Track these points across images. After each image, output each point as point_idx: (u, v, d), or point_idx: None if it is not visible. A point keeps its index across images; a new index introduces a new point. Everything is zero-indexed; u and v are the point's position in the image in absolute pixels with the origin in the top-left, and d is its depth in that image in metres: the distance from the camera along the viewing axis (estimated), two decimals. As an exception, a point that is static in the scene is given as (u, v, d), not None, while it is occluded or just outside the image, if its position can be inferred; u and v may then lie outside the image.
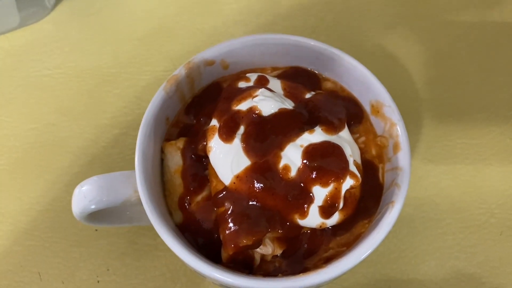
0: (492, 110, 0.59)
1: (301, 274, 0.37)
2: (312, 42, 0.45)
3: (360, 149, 0.44)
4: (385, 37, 0.64)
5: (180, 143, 0.43)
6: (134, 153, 0.41)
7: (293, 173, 0.38)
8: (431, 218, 0.53)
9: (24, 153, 0.58)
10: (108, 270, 0.51)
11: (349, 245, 0.40)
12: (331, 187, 0.38)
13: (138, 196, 0.39)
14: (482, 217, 0.53)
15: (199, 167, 0.43)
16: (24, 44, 0.64)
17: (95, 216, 0.44)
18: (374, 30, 0.64)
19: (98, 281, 0.51)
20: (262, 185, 0.38)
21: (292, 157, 0.39)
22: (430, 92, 0.61)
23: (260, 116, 0.40)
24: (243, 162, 0.39)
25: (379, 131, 0.45)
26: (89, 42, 0.65)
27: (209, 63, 0.46)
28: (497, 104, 0.60)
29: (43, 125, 0.59)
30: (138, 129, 0.42)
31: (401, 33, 0.64)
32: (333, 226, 0.41)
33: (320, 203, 0.38)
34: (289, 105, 0.41)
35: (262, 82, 0.43)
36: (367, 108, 0.46)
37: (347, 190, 0.39)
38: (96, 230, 0.53)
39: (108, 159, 0.57)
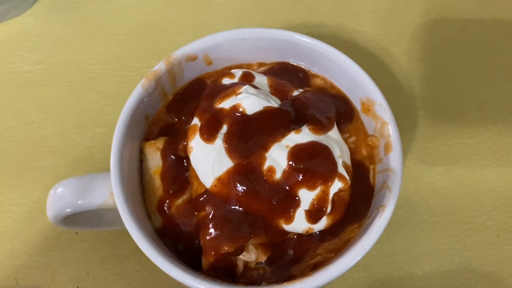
0: (489, 109, 0.57)
1: (286, 282, 0.35)
2: (301, 37, 0.43)
3: (350, 149, 0.42)
4: (379, 33, 0.62)
5: (160, 143, 0.41)
6: (115, 154, 0.39)
7: (278, 175, 0.36)
8: (425, 221, 0.51)
9: (3, 152, 0.56)
10: (88, 275, 0.49)
11: (338, 251, 0.39)
12: (318, 190, 0.36)
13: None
14: (478, 219, 0.52)
15: (179, 168, 0.41)
16: (4, 39, 0.62)
17: (72, 220, 0.42)
18: (368, 25, 0.62)
19: (77, 287, 0.49)
20: (245, 188, 0.36)
21: (277, 158, 0.37)
22: (425, 89, 0.59)
23: (243, 114, 0.38)
24: (225, 163, 0.37)
25: (370, 130, 0.43)
26: (72, 37, 0.62)
27: (191, 58, 0.44)
28: (494, 102, 0.58)
29: (23, 123, 0.57)
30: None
31: (396, 29, 0.62)
32: (320, 231, 0.39)
33: (307, 207, 0.36)
34: (275, 103, 0.39)
35: (247, 79, 0.41)
36: (357, 106, 0.44)
37: (335, 193, 0.37)
38: (76, 233, 0.51)
39: (90, 159, 0.55)
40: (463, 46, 0.61)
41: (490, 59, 0.60)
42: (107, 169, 0.41)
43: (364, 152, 0.42)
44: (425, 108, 0.57)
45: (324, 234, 0.39)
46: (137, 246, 0.50)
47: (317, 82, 0.45)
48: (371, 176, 0.41)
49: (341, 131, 0.41)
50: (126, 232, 0.50)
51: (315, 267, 0.37)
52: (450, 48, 0.61)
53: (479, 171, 0.54)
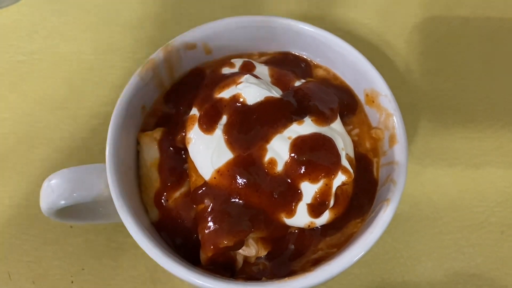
0: (492, 103, 0.57)
1: (287, 277, 0.34)
2: (304, 26, 0.42)
3: (353, 141, 0.41)
4: (382, 25, 0.61)
5: (157, 134, 0.40)
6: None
7: (279, 167, 0.35)
8: (427, 217, 0.51)
9: (-4, 144, 0.54)
10: (83, 269, 0.48)
11: (340, 246, 0.38)
12: (321, 183, 0.35)
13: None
14: (481, 215, 0.51)
15: (177, 160, 0.39)
16: (-2, 28, 0.61)
17: (66, 212, 0.41)
18: (370, 17, 0.61)
19: (72, 282, 0.48)
20: (245, 180, 0.35)
21: (279, 150, 0.35)
22: (428, 83, 0.58)
23: (244, 104, 0.36)
24: (225, 155, 0.35)
25: (374, 122, 0.42)
26: (68, 27, 0.61)
27: (190, 46, 0.42)
28: (498, 96, 0.57)
29: (17, 114, 0.56)
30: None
31: (399, 21, 0.61)
32: (322, 226, 0.38)
33: (309, 201, 0.35)
34: (276, 93, 0.38)
35: (248, 68, 0.40)
36: (361, 97, 0.43)
37: (338, 187, 0.36)
38: (71, 227, 0.50)
39: (86, 151, 0.54)
40: (466, 39, 0.60)
41: (494, 52, 0.60)
42: (103, 161, 0.40)
43: (367, 144, 0.41)
44: (428, 102, 0.57)
45: (326, 228, 0.38)
46: (133, 240, 0.49)
47: (320, 72, 0.44)
48: (374, 169, 0.40)
49: (344, 123, 0.40)
50: (122, 225, 0.49)
51: (317, 263, 0.37)
52: (453, 41, 0.60)
53: (482, 166, 0.53)
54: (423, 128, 0.55)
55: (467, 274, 0.48)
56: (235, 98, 0.37)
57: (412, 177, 0.52)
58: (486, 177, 0.52)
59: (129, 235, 0.49)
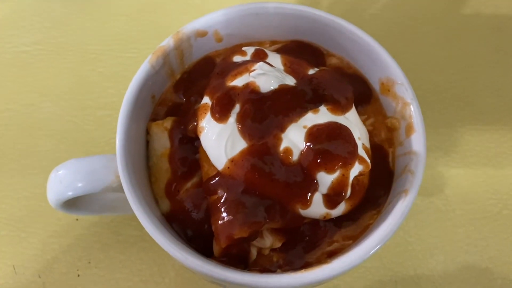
0: (504, 95, 0.56)
1: (302, 269, 0.33)
2: (316, 12, 0.41)
3: (368, 132, 0.40)
4: (392, 16, 0.60)
5: (168, 123, 0.39)
6: (117, 135, 0.37)
7: (295, 157, 0.34)
8: (439, 209, 0.50)
9: (-1, 136, 0.53)
10: (89, 263, 0.47)
11: (356, 238, 0.37)
12: (337, 173, 0.34)
13: (120, 182, 0.35)
14: (494, 208, 0.50)
15: (188, 150, 0.38)
16: (1, 17, 0.60)
17: (74, 204, 0.40)
18: (381, 8, 0.60)
19: (78, 275, 0.47)
20: (260, 170, 0.34)
21: (294, 139, 0.34)
22: (439, 75, 0.57)
23: (258, 93, 0.35)
24: (239, 144, 0.34)
25: (389, 112, 0.41)
26: (71, 17, 0.60)
27: (201, 34, 0.41)
28: (509, 88, 0.56)
29: (20, 105, 0.55)
30: (123, 109, 0.38)
31: (409, 12, 0.60)
32: (338, 217, 0.37)
33: (325, 191, 0.34)
34: (290, 81, 0.37)
35: (260, 56, 0.39)
36: (376, 86, 0.42)
37: (354, 177, 0.35)
38: (77, 219, 0.49)
39: (91, 142, 0.53)
40: (477, 31, 0.59)
41: (504, 44, 0.59)
42: (109, 152, 0.39)
43: (382, 135, 0.40)
44: (439, 93, 0.56)
45: (342, 220, 0.37)
46: (140, 233, 0.48)
47: (333, 61, 0.43)
48: (390, 160, 0.39)
49: (358, 113, 0.39)
50: (129, 218, 0.49)
51: (332, 255, 0.36)
52: (464, 33, 0.59)
53: (494, 158, 0.52)
54: (434, 121, 0.54)
55: (480, 268, 0.48)
56: (248, 86, 0.36)
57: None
58: (499, 169, 0.52)
59: (136, 228, 0.48)
